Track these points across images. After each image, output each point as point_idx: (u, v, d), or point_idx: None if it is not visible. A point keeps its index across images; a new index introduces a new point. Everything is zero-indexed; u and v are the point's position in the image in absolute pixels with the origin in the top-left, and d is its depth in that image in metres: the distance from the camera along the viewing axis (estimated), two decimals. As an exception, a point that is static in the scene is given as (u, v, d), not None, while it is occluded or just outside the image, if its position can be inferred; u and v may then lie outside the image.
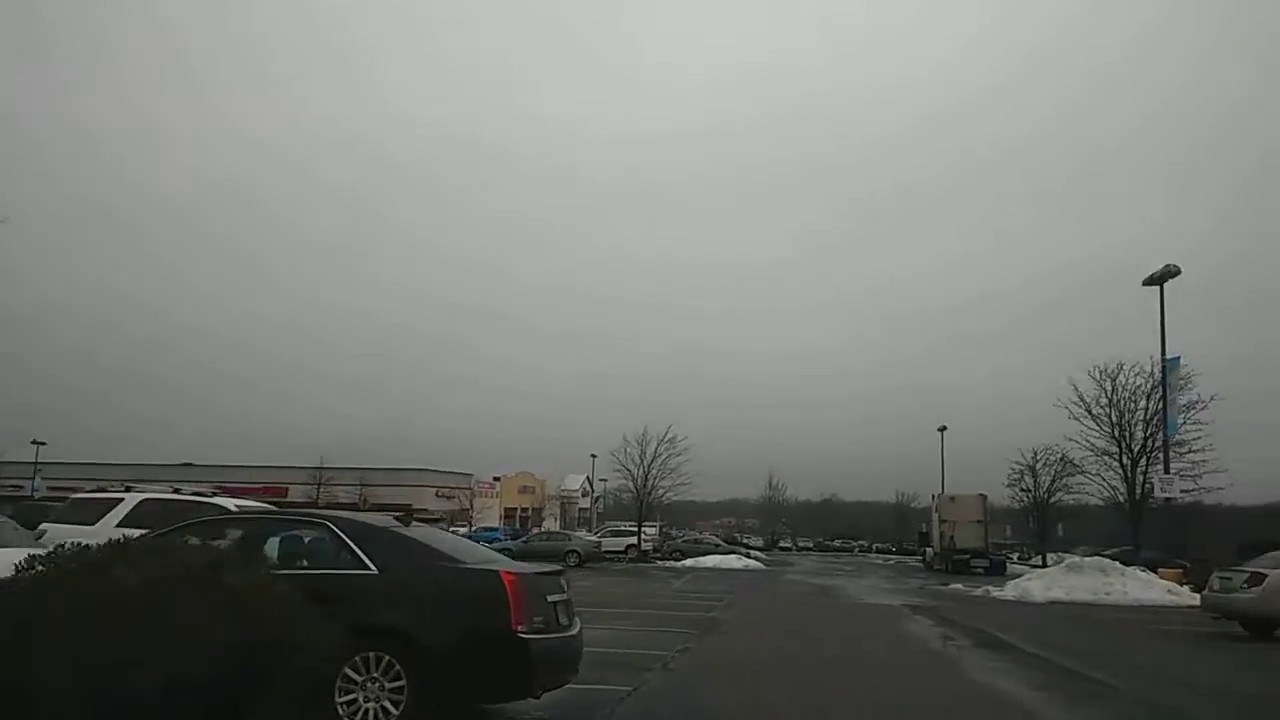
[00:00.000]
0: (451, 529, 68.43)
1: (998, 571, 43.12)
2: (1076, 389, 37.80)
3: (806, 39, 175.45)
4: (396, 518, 7.88)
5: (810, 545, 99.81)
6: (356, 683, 6.52)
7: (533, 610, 6.80)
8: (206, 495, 17.26)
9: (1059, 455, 47.79)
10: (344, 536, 7.01)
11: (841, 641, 14.71)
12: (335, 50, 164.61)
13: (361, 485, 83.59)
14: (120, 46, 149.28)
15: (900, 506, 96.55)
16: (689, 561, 42.85)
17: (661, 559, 45.94)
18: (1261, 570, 16.12)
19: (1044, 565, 49.62)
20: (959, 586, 29.98)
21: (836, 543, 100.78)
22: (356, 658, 6.54)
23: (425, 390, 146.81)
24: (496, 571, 6.94)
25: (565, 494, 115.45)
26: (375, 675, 6.52)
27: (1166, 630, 17.92)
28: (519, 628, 6.64)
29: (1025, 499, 51.16)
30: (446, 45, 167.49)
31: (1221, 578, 17.02)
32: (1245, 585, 15.98)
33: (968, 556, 43.60)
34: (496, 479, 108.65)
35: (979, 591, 27.50)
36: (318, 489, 78.71)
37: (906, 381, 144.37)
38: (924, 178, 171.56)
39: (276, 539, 7.45)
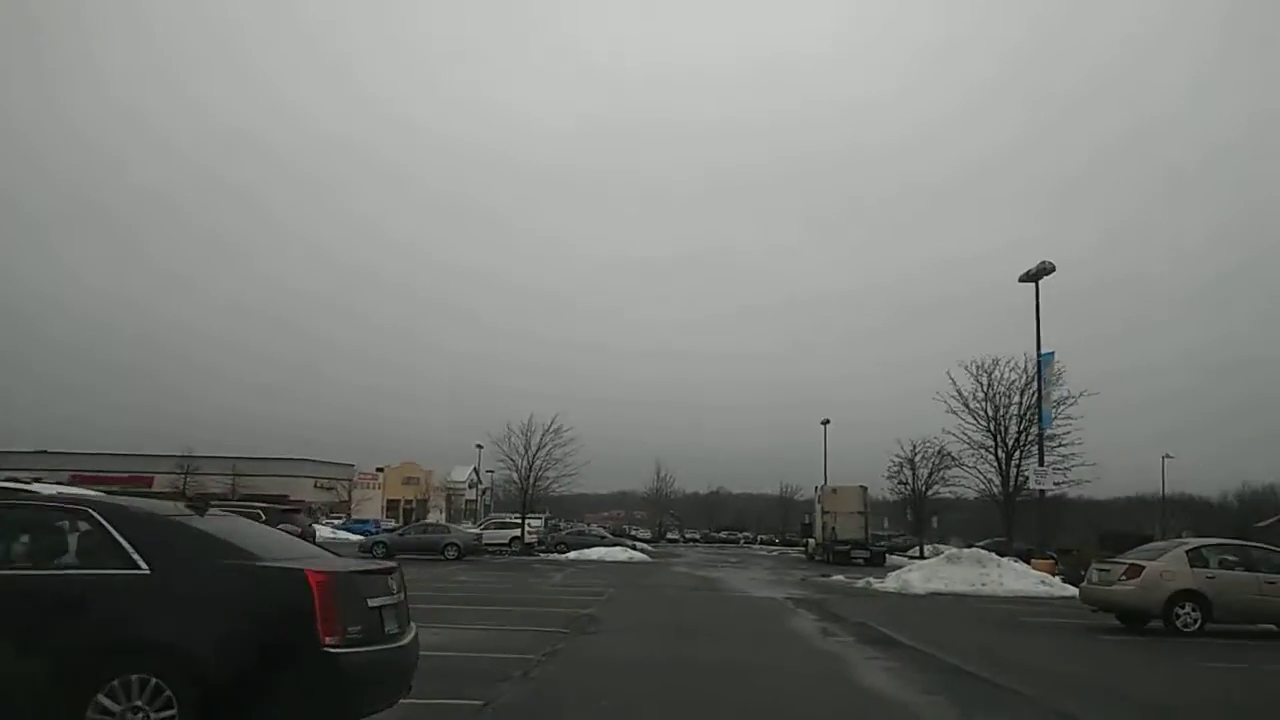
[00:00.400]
0: (326, 521, 65.66)
1: (878, 563, 43.45)
2: (954, 383, 38.25)
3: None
4: (189, 504, 6.37)
5: (698, 537, 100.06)
6: (113, 714, 5.11)
7: (347, 617, 5.49)
8: (24, 482, 15.32)
9: (937, 449, 48.59)
10: (109, 528, 5.53)
11: (722, 641, 13.79)
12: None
13: (234, 475, 79.63)
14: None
15: (785, 499, 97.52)
16: (574, 554, 41.74)
17: (546, 552, 44.67)
18: (1139, 563, 15.96)
19: (922, 557, 50.47)
20: (841, 578, 29.74)
21: (723, 534, 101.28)
22: (115, 682, 5.11)
23: (310, 380, 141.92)
24: (301, 571, 5.56)
25: (452, 486, 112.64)
26: (139, 704, 5.11)
27: (1045, 623, 17.70)
28: (328, 640, 5.31)
29: (904, 491, 51.82)
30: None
31: (1100, 570, 16.83)
32: (1124, 578, 15.78)
33: (849, 547, 43.79)
34: (379, 470, 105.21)
35: (861, 583, 27.24)
36: (184, 479, 74.41)
37: (792, 377, 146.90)
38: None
39: (26, 531, 5.92)
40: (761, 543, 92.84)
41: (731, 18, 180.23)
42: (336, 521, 63.82)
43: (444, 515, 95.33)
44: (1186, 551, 16.10)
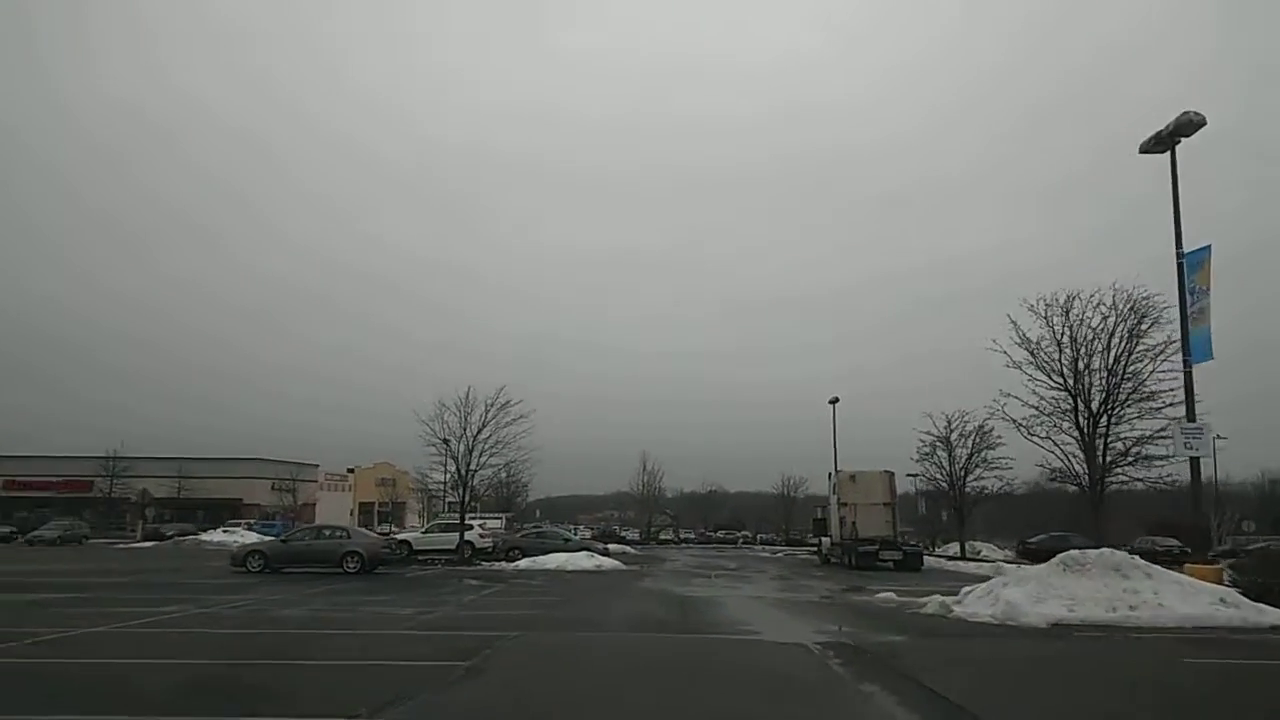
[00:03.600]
0: (231, 524, 55.23)
1: (913, 566, 33.21)
2: (1017, 327, 27.80)
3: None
4: None
5: (692, 536, 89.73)
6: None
7: None
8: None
9: (977, 425, 38.33)
10: None
11: None
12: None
13: (180, 477, 69.28)
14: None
15: (785, 495, 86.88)
16: (525, 562, 31.41)
17: (495, 559, 34.32)
18: None
19: (962, 557, 40.07)
20: (887, 594, 19.30)
21: (719, 534, 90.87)
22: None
23: (277, 378, 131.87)
24: None
25: (433, 486, 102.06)
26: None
27: None
28: None
29: (938, 477, 41.15)
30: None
31: None
32: None
33: (875, 548, 33.49)
34: (350, 470, 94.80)
35: (928, 607, 16.81)
36: (110, 481, 64.05)
37: (792, 370, 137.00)
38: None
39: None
40: (762, 542, 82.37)
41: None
42: (237, 525, 53.30)
43: (423, 519, 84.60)
44: None
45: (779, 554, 53.39)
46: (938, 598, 17.40)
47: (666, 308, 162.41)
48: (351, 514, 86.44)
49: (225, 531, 48.18)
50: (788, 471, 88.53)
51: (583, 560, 31.05)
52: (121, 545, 48.98)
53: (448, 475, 39.58)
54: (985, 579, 22.44)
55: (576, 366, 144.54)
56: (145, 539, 52.13)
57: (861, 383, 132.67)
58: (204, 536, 48.47)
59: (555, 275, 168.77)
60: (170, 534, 52.87)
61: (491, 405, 33.06)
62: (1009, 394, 27.88)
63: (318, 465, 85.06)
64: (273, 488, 74.74)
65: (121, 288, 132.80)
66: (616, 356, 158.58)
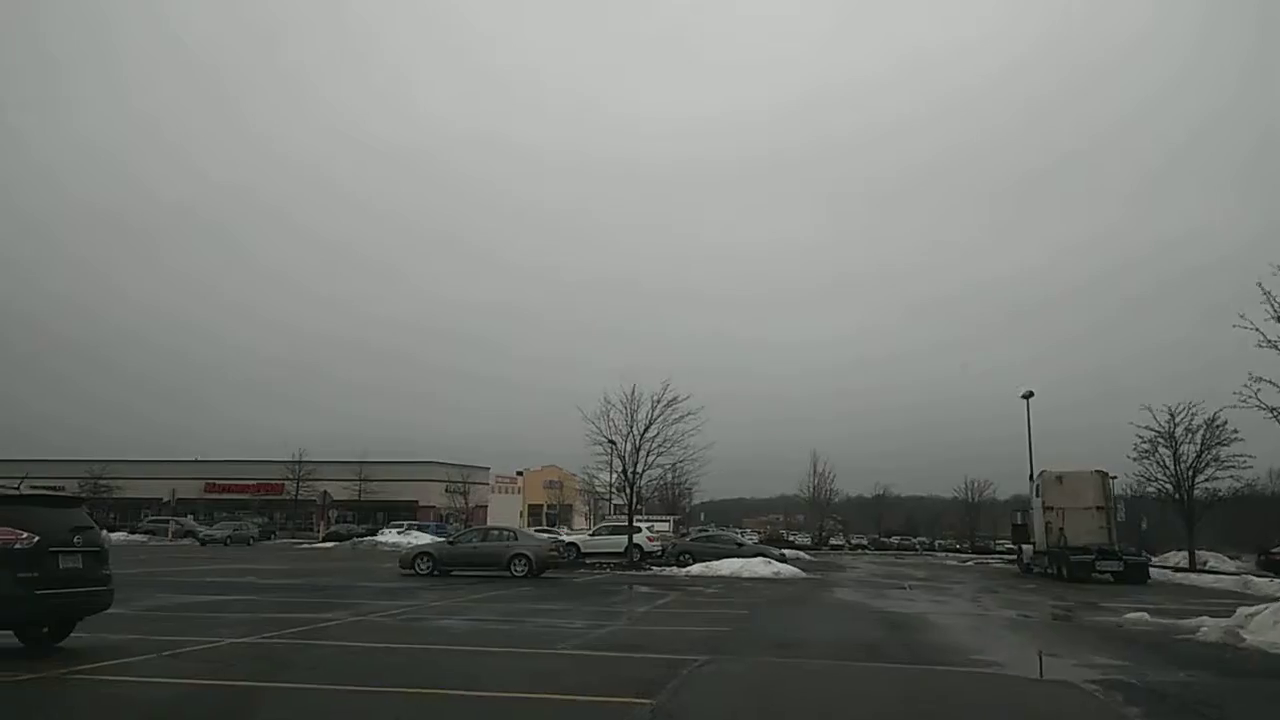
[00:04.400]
0: (392, 525, 55.81)
1: (1137, 579, 28.94)
2: (1269, 296, 23.16)
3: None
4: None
5: (865, 542, 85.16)
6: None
7: None
8: None
9: (1209, 419, 33.34)
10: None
11: None
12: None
13: (360, 480, 71.52)
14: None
15: (970, 499, 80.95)
16: (697, 568, 29.38)
17: (665, 564, 32.50)
18: None
19: (1191, 568, 35.07)
20: (1141, 615, 15.97)
21: (894, 540, 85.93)
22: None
23: (452, 385, 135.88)
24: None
25: (599, 487, 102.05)
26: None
27: None
28: None
29: (1164, 477, 36.05)
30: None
31: None
32: None
33: (1091, 557, 29.35)
34: (519, 473, 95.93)
35: (1202, 631, 13.50)
36: (296, 484, 66.76)
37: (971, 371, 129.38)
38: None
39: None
40: (942, 549, 77.12)
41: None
42: (399, 526, 53.80)
43: (590, 521, 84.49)
44: None
45: (968, 562, 49.08)
46: (1209, 620, 14.07)
47: (859, 316, 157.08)
48: (521, 516, 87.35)
49: (399, 533, 48.75)
50: (971, 474, 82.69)
51: (759, 567, 28.72)
52: (305, 545, 50.45)
53: (613, 476, 38.11)
54: (1239, 595, 18.43)
55: (743, 365, 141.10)
56: (327, 539, 53.60)
57: (1050, 379, 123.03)
58: (379, 537, 49.25)
59: (726, 271, 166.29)
60: (349, 535, 54.16)
61: (658, 402, 31.24)
62: (1260, 379, 23.39)
63: (488, 468, 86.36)
64: (445, 490, 76.24)
65: (330, 331, 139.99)
66: (780, 350, 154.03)
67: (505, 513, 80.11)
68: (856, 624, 14.80)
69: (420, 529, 51.65)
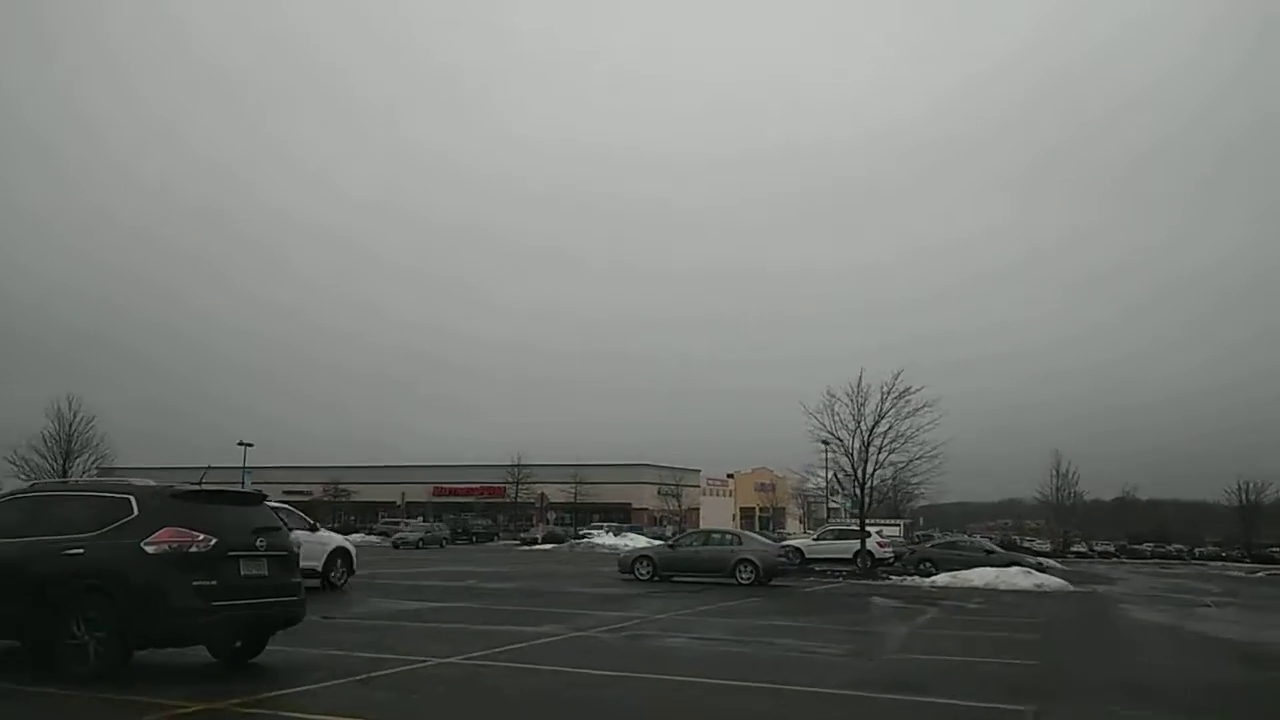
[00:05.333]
0: (608, 528, 54.67)
1: None
2: None
3: None
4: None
5: (1112, 550, 76.22)
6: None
7: None
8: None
9: None
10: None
11: None
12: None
13: (575, 482, 71.82)
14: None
15: (1245, 501, 70.51)
16: (944, 578, 25.84)
17: (900, 573, 29.19)
18: None
19: None
20: None
21: (1147, 547, 76.51)
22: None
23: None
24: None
25: (811, 490, 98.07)
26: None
27: None
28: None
29: None
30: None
31: None
32: None
33: None
34: (730, 475, 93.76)
35: None
36: (515, 487, 67.92)
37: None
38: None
39: None
40: (1204, 557, 67.53)
41: None
42: (604, 527, 52.79)
43: (804, 525, 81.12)
44: None
45: (1257, 572, 41.92)
46: None
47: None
48: (733, 518, 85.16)
49: (616, 535, 47.95)
50: (1244, 471, 72.12)
51: (1018, 578, 24.91)
52: (523, 547, 50.66)
53: (838, 474, 34.98)
54: None
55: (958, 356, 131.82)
56: (545, 541, 53.75)
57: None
58: (596, 539, 48.67)
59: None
60: (565, 537, 54.06)
61: (888, 393, 27.95)
62: None
63: (699, 470, 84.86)
64: (658, 492, 75.41)
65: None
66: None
67: (718, 515, 78.19)
68: (1198, 656, 11.42)
69: (632, 531, 50.69)
